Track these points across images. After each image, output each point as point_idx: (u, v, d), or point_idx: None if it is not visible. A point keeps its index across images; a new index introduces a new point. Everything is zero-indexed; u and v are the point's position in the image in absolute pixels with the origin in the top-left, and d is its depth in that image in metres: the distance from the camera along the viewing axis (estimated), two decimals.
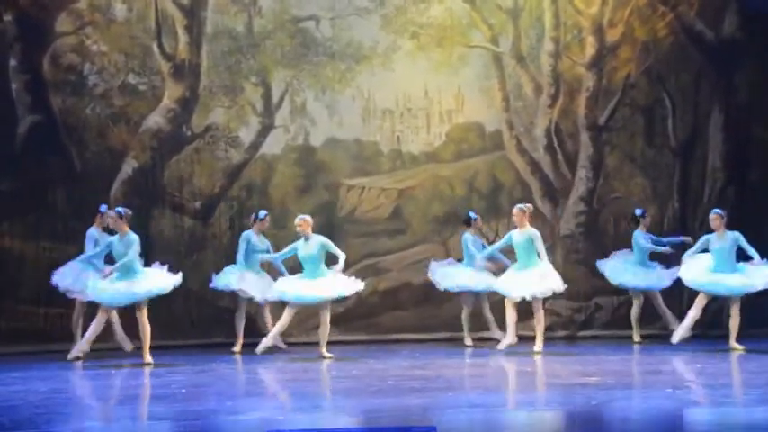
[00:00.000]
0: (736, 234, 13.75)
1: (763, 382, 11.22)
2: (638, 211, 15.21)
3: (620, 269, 15.07)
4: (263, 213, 14.62)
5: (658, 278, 14.98)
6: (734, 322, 13.88)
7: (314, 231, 13.86)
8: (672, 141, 16.39)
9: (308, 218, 13.84)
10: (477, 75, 16.22)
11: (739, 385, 11.41)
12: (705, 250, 13.95)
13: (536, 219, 15.59)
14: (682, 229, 15.88)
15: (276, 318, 14.16)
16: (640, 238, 15.00)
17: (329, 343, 13.81)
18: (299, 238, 13.78)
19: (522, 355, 13.65)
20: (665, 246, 14.96)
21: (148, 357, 13.05)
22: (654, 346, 14.64)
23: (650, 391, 10.86)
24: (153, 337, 13.47)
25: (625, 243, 15.27)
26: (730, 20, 16.37)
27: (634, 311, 15.18)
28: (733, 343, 13.85)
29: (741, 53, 16.32)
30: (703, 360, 13.06)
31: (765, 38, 16.19)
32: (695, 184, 16.36)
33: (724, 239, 13.77)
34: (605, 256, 15.42)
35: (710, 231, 13.95)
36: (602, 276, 15.43)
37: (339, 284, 13.63)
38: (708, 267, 13.82)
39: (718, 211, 14.02)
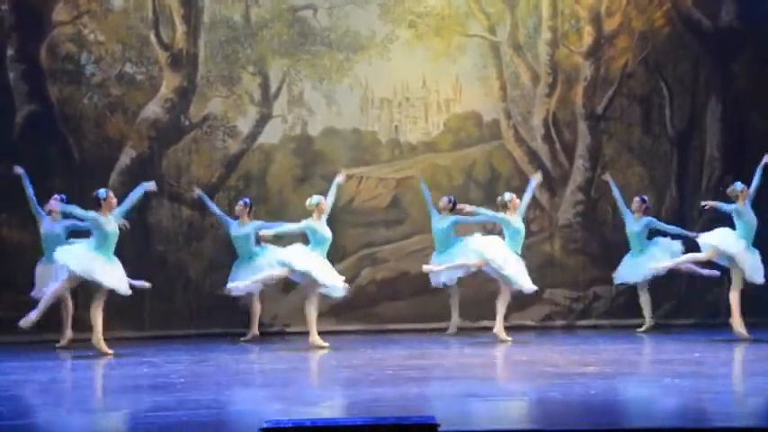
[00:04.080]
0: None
1: (762, 370, 11.24)
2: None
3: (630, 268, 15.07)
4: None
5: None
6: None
7: None
8: (669, 131, 16.37)
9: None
10: (475, 64, 16.20)
11: (738, 374, 11.43)
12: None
13: (534, 208, 15.61)
14: (679, 219, 15.86)
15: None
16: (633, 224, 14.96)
17: (325, 333, 13.82)
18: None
19: (520, 345, 13.68)
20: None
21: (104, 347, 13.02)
22: (652, 335, 14.66)
23: (649, 380, 10.88)
24: (151, 327, 13.40)
25: (622, 232, 15.19)
26: (728, 9, 16.34)
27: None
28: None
29: (739, 42, 16.31)
30: (702, 349, 13.08)
31: (763, 27, 16.18)
32: (693, 174, 16.35)
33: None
34: (603, 245, 15.43)
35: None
36: (600, 265, 15.52)
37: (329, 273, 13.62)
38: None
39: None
